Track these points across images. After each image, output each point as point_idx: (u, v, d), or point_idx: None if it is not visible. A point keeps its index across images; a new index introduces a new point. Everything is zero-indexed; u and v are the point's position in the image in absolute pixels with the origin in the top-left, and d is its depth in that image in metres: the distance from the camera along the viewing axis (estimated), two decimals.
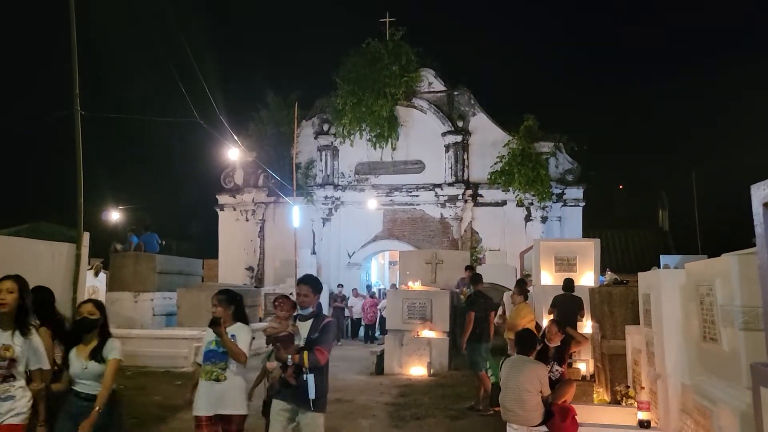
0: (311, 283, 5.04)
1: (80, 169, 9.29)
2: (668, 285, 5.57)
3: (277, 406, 4.87)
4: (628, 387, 7.35)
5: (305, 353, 4.70)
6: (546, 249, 12.86)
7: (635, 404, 6.89)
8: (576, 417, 5.77)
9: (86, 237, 9.33)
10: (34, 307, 5.22)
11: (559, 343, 7.02)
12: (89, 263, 13.12)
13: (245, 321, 5.08)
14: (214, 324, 4.77)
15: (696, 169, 27.48)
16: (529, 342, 6.25)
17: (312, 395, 4.70)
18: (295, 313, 5.14)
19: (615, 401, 7.43)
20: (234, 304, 5.02)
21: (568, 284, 10.63)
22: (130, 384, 10.21)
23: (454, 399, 9.59)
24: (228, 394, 4.83)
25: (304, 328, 4.88)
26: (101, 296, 13.04)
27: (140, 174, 35.38)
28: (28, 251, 8.33)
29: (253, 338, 5.10)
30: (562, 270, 12.60)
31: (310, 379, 4.70)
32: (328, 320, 4.96)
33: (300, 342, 4.82)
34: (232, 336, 4.83)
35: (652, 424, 5.88)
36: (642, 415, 5.72)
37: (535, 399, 5.82)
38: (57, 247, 8.71)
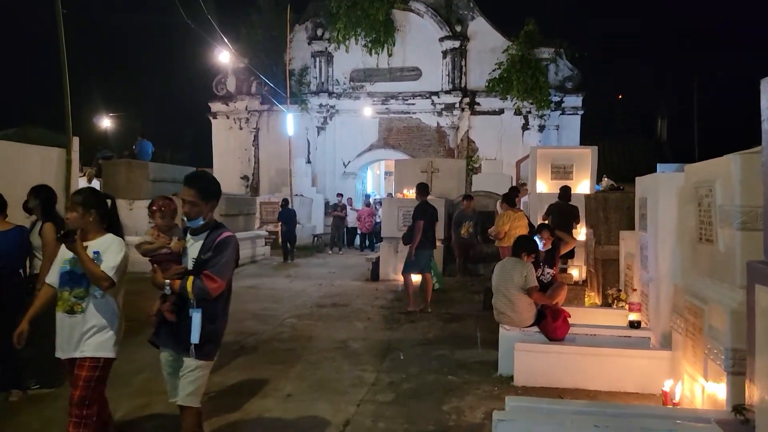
0: (199, 184, 3.59)
1: (65, 71, 8.96)
2: (665, 188, 5.51)
3: (162, 357, 3.68)
4: (619, 290, 7.45)
5: (189, 279, 3.43)
6: (542, 156, 12.73)
7: (626, 306, 7.02)
8: (568, 318, 5.86)
9: (76, 142, 9.13)
10: (39, 204, 5.30)
11: (550, 246, 7.05)
12: (81, 170, 13.00)
13: (118, 232, 3.81)
14: (66, 237, 3.50)
15: (698, 78, 27.00)
16: (521, 245, 6.25)
17: (195, 338, 3.46)
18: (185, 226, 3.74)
19: (606, 304, 7.55)
20: (97, 208, 3.70)
21: (565, 192, 10.58)
22: (127, 288, 10.35)
23: (447, 303, 9.77)
24: (83, 331, 3.60)
25: (194, 245, 3.59)
26: None
27: (132, 80, 34.52)
28: (17, 155, 8.18)
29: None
30: (559, 178, 12.54)
31: (196, 316, 3.46)
32: (225, 235, 3.55)
33: (188, 264, 3.58)
34: (95, 253, 3.59)
35: (642, 325, 5.99)
36: (633, 317, 5.82)
37: (525, 300, 5.89)
38: (47, 152, 8.54)
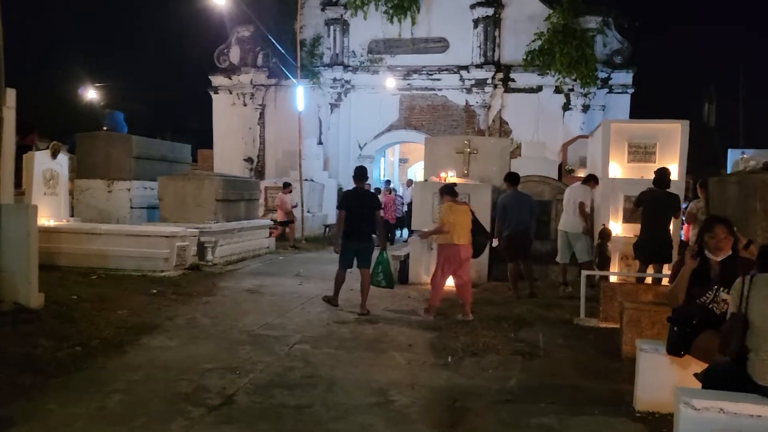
0: None
1: None
2: None
3: None
4: None
5: None
6: (617, 132, 10.12)
7: None
8: None
9: (11, 95, 6.71)
10: None
11: (730, 252, 4.31)
12: (48, 145, 10.54)
13: None
14: None
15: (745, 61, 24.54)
16: None
17: None
18: None
19: None
20: None
21: (662, 177, 8.10)
22: (87, 294, 7.84)
23: (512, 323, 7.24)
24: None
25: None
26: (62, 182, 10.52)
27: (125, 51, 31.81)
28: None
29: None
30: (637, 160, 9.99)
31: None
32: None
33: None
34: None
35: None
36: None
37: None
38: None
